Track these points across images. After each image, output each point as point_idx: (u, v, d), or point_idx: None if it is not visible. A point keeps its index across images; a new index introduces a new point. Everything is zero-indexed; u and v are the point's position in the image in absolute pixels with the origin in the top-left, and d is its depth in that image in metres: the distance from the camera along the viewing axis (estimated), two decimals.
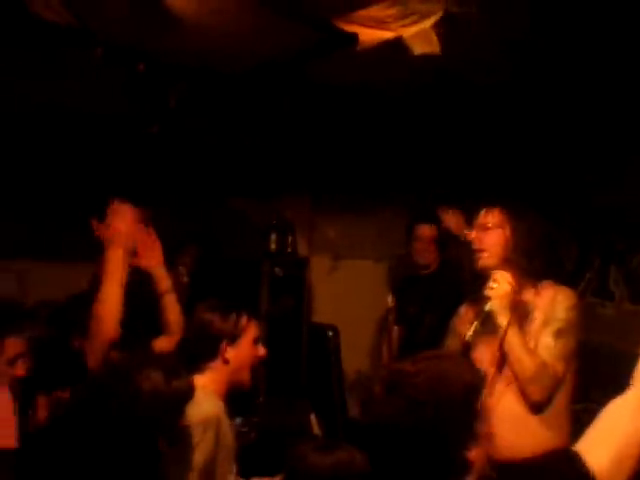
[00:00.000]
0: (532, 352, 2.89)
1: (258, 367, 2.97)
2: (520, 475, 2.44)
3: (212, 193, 5.59)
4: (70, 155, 5.04)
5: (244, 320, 2.90)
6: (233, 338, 2.86)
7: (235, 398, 3.29)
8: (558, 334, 2.94)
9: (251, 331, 2.92)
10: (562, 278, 3.21)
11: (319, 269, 5.88)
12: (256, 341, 2.94)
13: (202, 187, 5.50)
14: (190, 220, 5.20)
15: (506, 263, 3.03)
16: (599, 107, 4.40)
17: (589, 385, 3.41)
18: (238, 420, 4.00)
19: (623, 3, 3.25)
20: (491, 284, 2.94)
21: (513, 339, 2.88)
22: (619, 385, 1.87)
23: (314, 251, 5.97)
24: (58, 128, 4.71)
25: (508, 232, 3.05)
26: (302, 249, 5.86)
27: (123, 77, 4.03)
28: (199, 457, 2.61)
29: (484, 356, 2.94)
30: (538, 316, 2.98)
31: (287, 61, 3.86)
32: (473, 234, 3.10)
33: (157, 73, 4.00)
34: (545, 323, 2.96)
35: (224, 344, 2.85)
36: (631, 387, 1.85)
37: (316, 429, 4.83)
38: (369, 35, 3.42)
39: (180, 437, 2.43)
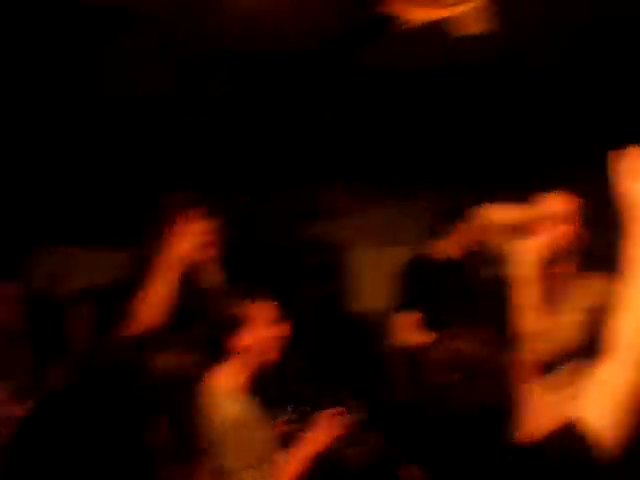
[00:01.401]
0: None
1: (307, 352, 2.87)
2: None
3: (250, 179, 5.55)
4: (118, 141, 5.03)
5: (255, 303, 2.78)
6: (246, 324, 2.75)
7: (281, 384, 3.22)
8: None
9: (264, 313, 2.79)
10: None
11: (360, 256, 5.82)
12: (272, 322, 2.81)
13: (241, 173, 5.47)
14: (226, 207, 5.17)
15: None
16: None
17: None
18: (289, 408, 3.96)
19: None
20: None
21: None
22: None
23: (354, 238, 5.90)
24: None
25: None
26: (341, 236, 5.82)
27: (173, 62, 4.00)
28: (230, 461, 2.56)
29: None
30: None
31: (331, 45, 3.78)
32: None
33: (202, 57, 3.96)
34: None
35: (237, 332, 2.75)
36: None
37: (358, 415, 4.79)
38: (419, 14, 3.33)
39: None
